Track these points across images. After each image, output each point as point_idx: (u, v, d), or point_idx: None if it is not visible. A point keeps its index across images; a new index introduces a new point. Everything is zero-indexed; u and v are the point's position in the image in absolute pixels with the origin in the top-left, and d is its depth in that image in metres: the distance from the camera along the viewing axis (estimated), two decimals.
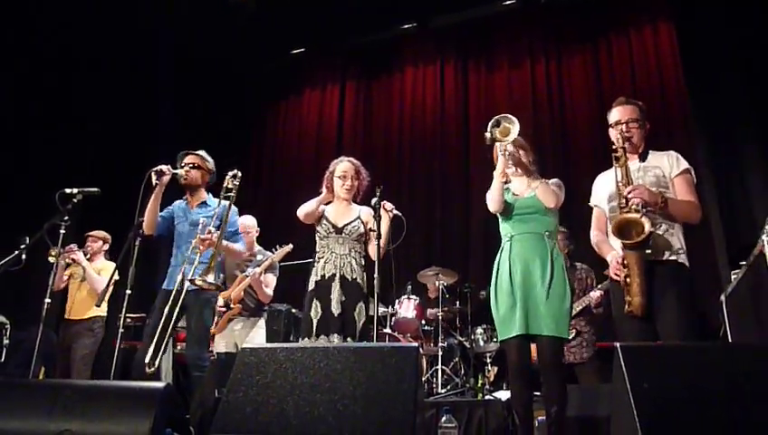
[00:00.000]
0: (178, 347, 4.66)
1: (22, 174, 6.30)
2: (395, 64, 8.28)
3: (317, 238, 3.59)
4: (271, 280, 4.62)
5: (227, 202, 3.69)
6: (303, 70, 8.71)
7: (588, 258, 4.68)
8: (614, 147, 2.87)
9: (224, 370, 3.87)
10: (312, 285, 3.46)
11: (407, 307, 5.62)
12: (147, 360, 3.27)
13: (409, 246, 6.59)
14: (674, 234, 2.76)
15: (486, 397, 4.52)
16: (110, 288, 4.63)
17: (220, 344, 4.59)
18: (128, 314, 3.33)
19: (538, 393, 3.13)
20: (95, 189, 3.70)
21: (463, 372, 5.44)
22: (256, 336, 4.58)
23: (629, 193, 2.69)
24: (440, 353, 5.34)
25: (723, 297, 3.93)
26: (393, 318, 5.62)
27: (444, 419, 2.73)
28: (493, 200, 3.06)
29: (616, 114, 2.98)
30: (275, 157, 8.68)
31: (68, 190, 3.65)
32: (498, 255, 3.06)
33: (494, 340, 5.43)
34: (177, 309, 3.46)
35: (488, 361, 5.44)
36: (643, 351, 2.06)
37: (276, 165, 8.60)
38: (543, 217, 3.01)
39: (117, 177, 5.16)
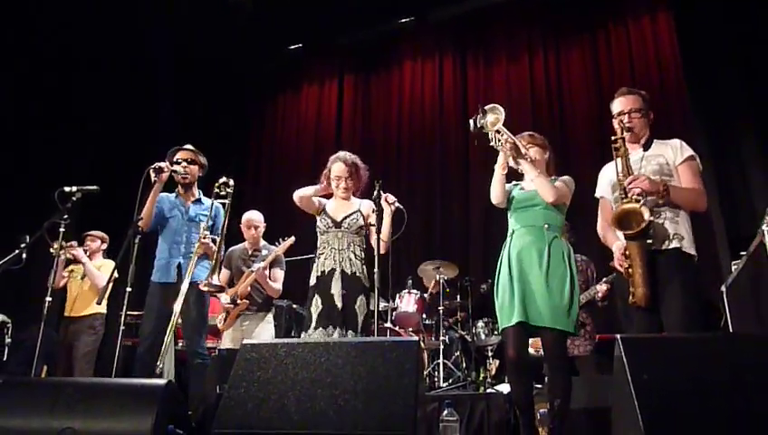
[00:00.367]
0: (179, 344, 4.67)
1: (22, 174, 6.30)
2: (393, 59, 8.25)
3: (317, 233, 3.60)
4: (279, 274, 4.63)
5: (221, 205, 3.75)
6: (301, 65, 8.69)
7: (591, 250, 4.69)
8: (613, 138, 2.85)
9: (225, 366, 3.88)
10: (312, 281, 3.48)
11: (407, 301, 5.62)
12: (158, 363, 3.30)
13: (409, 240, 6.61)
14: (679, 222, 2.73)
15: (488, 390, 4.52)
16: (111, 285, 4.64)
17: (227, 341, 4.59)
18: (128, 312, 3.34)
19: (539, 386, 3.14)
20: (94, 187, 3.70)
21: (464, 365, 5.45)
22: (263, 331, 4.58)
23: (629, 183, 2.68)
24: (441, 347, 5.34)
25: (723, 288, 3.93)
26: (394, 313, 5.62)
27: (445, 412, 2.73)
28: (493, 192, 3.08)
29: (618, 105, 2.96)
30: (274, 153, 8.67)
31: (67, 189, 3.66)
32: (502, 249, 3.08)
33: (495, 333, 5.44)
34: (178, 305, 3.47)
35: (489, 354, 5.44)
36: (643, 342, 2.06)
37: (275, 161, 8.59)
38: (544, 210, 3.00)
39: (117, 176, 5.16)
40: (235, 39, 7.69)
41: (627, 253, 2.66)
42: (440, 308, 5.54)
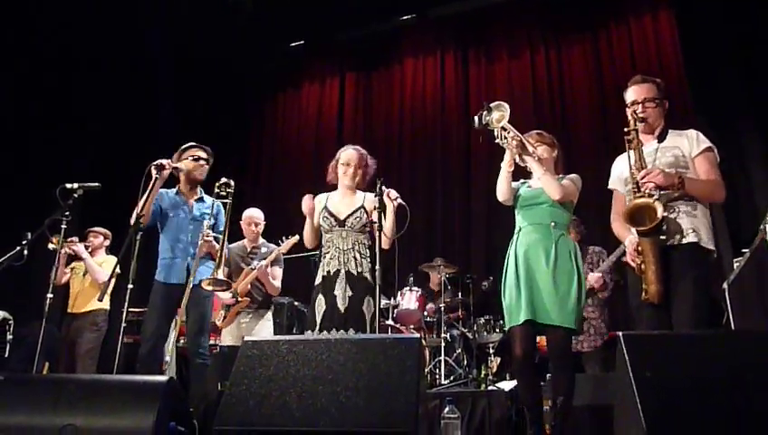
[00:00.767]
0: (181, 341, 4.67)
1: (22, 174, 6.30)
2: (394, 56, 8.24)
3: (322, 232, 3.54)
4: (278, 272, 4.63)
5: (222, 204, 3.75)
6: (302, 63, 8.68)
7: (598, 243, 4.69)
8: (626, 129, 2.78)
9: (227, 363, 3.88)
10: (318, 280, 3.43)
11: (409, 299, 5.62)
12: (166, 358, 3.30)
13: (411, 237, 6.60)
14: (697, 215, 2.66)
15: (489, 388, 4.53)
16: (112, 282, 4.64)
17: (227, 338, 4.59)
18: (131, 309, 3.34)
19: (542, 383, 3.14)
20: (96, 184, 3.70)
21: (466, 363, 5.45)
22: (263, 329, 4.58)
23: (642, 178, 2.61)
24: (443, 345, 5.34)
25: (725, 285, 3.92)
26: (395, 310, 5.62)
27: (447, 410, 2.73)
28: (499, 190, 3.08)
29: (632, 94, 2.87)
30: (275, 151, 8.66)
31: (68, 185, 3.65)
32: (509, 247, 3.09)
33: (497, 330, 5.44)
34: (183, 305, 3.47)
35: (491, 351, 5.45)
36: (646, 339, 2.05)
37: (276, 159, 8.58)
38: (551, 207, 3.00)
39: (117, 177, 5.17)
40: (234, 39, 7.68)
41: (639, 249, 2.60)
42: (441, 305, 5.54)
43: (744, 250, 3.73)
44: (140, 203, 3.41)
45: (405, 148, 7.82)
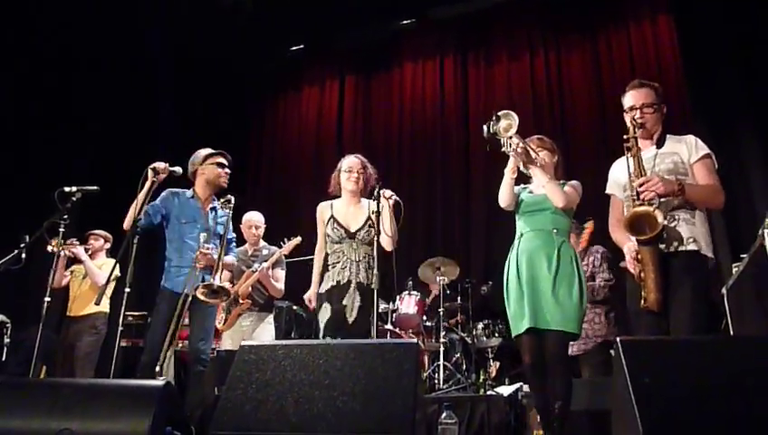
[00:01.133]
0: (179, 345, 4.67)
1: (22, 174, 6.30)
2: (394, 60, 8.25)
3: (328, 241, 3.54)
4: (280, 274, 4.63)
5: (227, 215, 3.74)
6: (302, 67, 8.69)
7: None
8: (625, 136, 2.77)
9: (224, 367, 3.86)
10: (325, 288, 3.43)
11: (408, 303, 5.61)
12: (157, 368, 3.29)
13: (410, 240, 6.60)
14: (696, 223, 2.66)
15: (488, 392, 4.51)
16: (112, 285, 4.64)
17: (227, 342, 4.58)
18: (129, 312, 3.33)
19: None
20: (94, 187, 3.69)
21: (465, 367, 5.44)
22: (264, 332, 4.58)
23: (642, 187, 2.60)
24: (442, 349, 5.33)
25: (724, 290, 3.92)
26: (394, 314, 5.61)
27: (444, 415, 2.72)
28: (501, 196, 3.10)
29: (630, 99, 2.86)
30: (275, 154, 8.67)
31: (67, 189, 3.64)
32: (509, 252, 3.10)
33: (496, 335, 5.43)
34: (184, 315, 3.46)
35: (490, 356, 5.44)
36: (643, 345, 2.04)
37: (276, 162, 8.59)
38: (553, 214, 3.02)
39: (117, 177, 5.15)
40: (235, 39, 7.68)
41: (639, 257, 2.60)
42: (440, 310, 5.53)
43: (742, 255, 3.72)
44: (137, 206, 3.39)
45: (404, 151, 7.82)
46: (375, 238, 3.36)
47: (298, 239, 4.63)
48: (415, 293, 5.69)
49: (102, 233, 5.40)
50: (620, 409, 1.91)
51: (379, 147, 7.85)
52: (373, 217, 3.45)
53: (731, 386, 1.79)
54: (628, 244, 2.70)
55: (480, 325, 5.53)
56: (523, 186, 3.24)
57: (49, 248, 4.44)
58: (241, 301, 4.48)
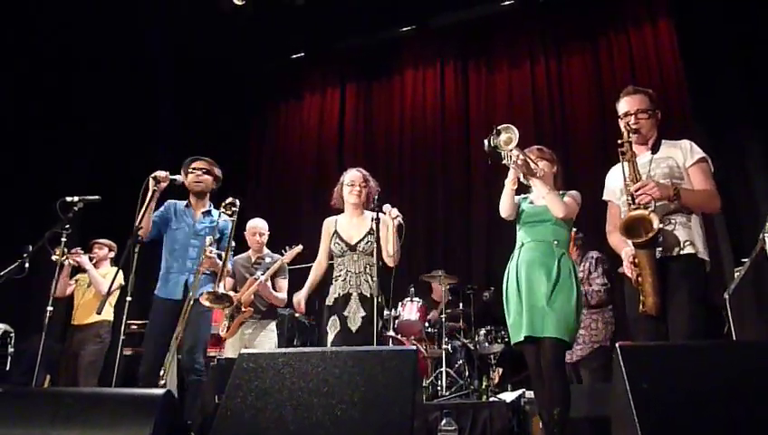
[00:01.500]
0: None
1: (22, 174, 6.29)
2: (395, 67, 8.27)
3: (334, 255, 3.63)
4: (283, 284, 4.63)
5: (228, 219, 3.67)
6: (303, 74, 8.72)
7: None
8: (619, 141, 2.79)
9: (224, 376, 3.86)
10: (330, 302, 3.53)
11: (410, 310, 5.60)
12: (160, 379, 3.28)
13: (412, 247, 6.60)
14: (691, 227, 2.67)
15: (491, 399, 4.51)
16: (115, 293, 4.64)
17: (229, 350, 4.57)
18: (131, 321, 3.34)
19: None
20: (96, 197, 3.71)
21: (467, 374, 5.43)
22: (266, 340, 4.56)
23: (637, 192, 2.62)
24: (444, 356, 5.33)
25: (726, 295, 3.91)
26: (396, 321, 5.61)
27: (444, 422, 2.72)
28: (502, 207, 3.12)
29: (624, 105, 2.88)
30: (276, 161, 8.67)
31: (69, 199, 3.66)
32: (509, 261, 3.13)
33: (498, 341, 5.42)
34: (182, 322, 3.45)
35: (492, 362, 5.42)
36: (642, 351, 2.04)
37: (277, 169, 8.59)
38: (554, 225, 3.04)
39: (117, 177, 5.17)
40: (235, 40, 7.68)
41: (636, 261, 2.61)
42: (443, 316, 5.53)
43: (744, 259, 3.71)
44: (139, 216, 3.41)
45: (405, 158, 7.83)
46: (376, 248, 3.43)
47: (299, 247, 4.63)
48: (417, 299, 5.69)
49: (107, 242, 5.40)
50: (620, 414, 1.91)
51: (380, 154, 7.87)
52: (375, 229, 3.51)
53: (730, 391, 1.78)
54: (626, 249, 2.71)
55: (482, 332, 5.52)
56: (523, 196, 3.26)
57: (53, 258, 4.45)
58: (243, 308, 4.48)
